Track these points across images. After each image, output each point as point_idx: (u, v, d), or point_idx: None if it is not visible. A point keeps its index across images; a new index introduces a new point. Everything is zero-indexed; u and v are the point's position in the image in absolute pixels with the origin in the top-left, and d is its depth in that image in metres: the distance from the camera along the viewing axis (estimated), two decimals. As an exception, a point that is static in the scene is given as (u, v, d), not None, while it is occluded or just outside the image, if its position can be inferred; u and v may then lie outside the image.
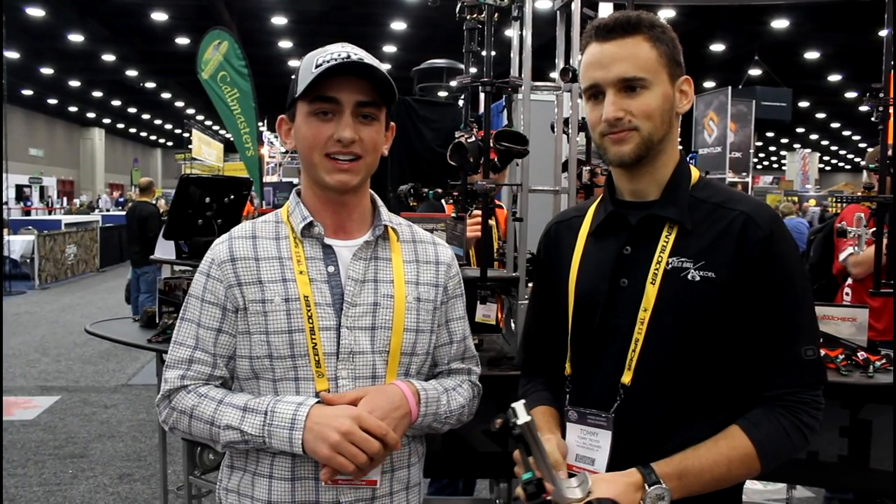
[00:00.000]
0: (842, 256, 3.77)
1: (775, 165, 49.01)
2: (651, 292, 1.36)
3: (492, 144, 2.44)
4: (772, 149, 45.16)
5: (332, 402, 1.40)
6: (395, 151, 5.68)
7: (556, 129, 2.81)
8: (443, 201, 3.05)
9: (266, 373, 1.44)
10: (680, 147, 1.50)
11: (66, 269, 15.00)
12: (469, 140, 2.40)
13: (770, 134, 35.57)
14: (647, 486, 1.27)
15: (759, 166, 46.00)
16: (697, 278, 1.34)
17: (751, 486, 3.52)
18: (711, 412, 1.36)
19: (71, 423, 5.85)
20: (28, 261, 14.06)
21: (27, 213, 22.86)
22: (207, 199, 3.08)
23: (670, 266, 1.36)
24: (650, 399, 1.37)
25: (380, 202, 1.57)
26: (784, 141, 40.34)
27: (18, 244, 14.12)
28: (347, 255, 1.49)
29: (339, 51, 1.42)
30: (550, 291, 1.55)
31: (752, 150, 12.23)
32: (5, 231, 14.04)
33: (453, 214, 2.49)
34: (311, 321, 1.42)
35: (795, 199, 20.41)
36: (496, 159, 2.48)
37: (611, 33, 1.37)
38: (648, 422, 1.36)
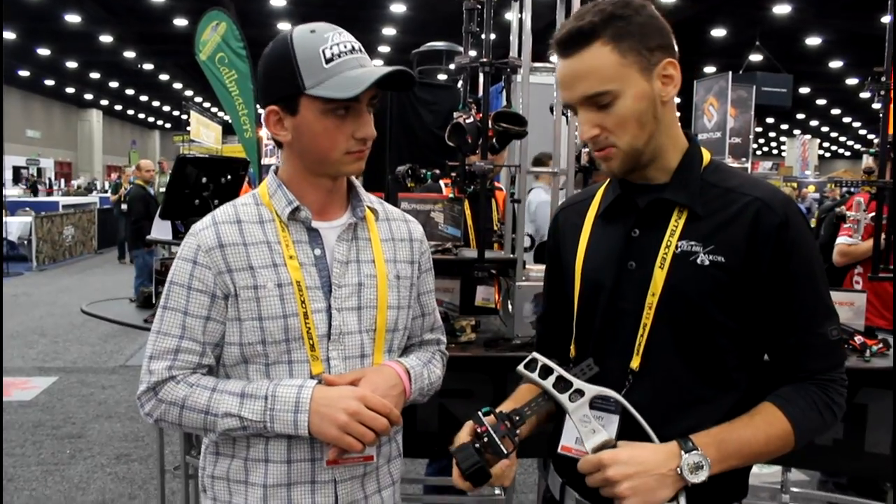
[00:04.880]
0: (836, 241, 3.78)
1: (775, 151, 48.92)
2: (659, 276, 1.34)
3: (490, 125, 2.43)
4: (772, 135, 45.04)
5: (332, 384, 1.41)
6: (393, 134, 5.69)
7: (555, 112, 2.79)
8: (441, 182, 3.04)
9: (258, 358, 1.43)
10: (676, 101, 1.44)
11: (64, 250, 14.97)
12: (467, 121, 2.39)
13: (770, 120, 35.47)
14: (683, 453, 1.24)
15: (758, 152, 45.89)
16: (707, 262, 1.32)
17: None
18: (721, 397, 1.35)
19: (69, 404, 5.86)
20: (25, 242, 14.02)
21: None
22: (204, 180, 3.07)
23: (679, 250, 1.34)
24: (659, 384, 1.35)
25: (355, 181, 1.56)
26: (784, 127, 40.23)
27: (16, 226, 14.08)
28: (332, 236, 1.49)
29: (344, 42, 1.39)
30: (560, 274, 1.55)
31: (751, 136, 12.16)
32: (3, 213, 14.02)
33: (451, 195, 2.49)
34: (304, 305, 1.42)
35: (794, 185, 20.37)
36: (494, 140, 2.47)
37: (567, 49, 1.30)
38: (657, 407, 1.34)
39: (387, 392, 1.43)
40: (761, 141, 46.52)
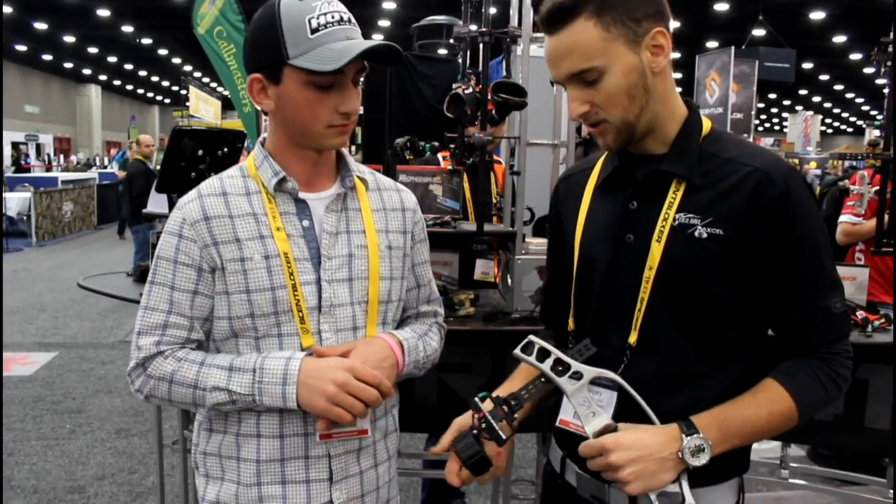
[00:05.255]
0: (840, 219, 3.74)
1: (777, 127, 48.71)
2: (657, 250, 1.31)
3: (489, 96, 2.39)
4: (774, 110, 44.81)
5: (322, 355, 1.39)
6: (393, 108, 5.64)
7: (555, 84, 2.75)
8: (438, 156, 3.00)
9: (247, 332, 1.41)
10: (677, 76, 1.41)
11: (63, 226, 14.95)
12: (466, 91, 2.35)
13: (772, 95, 35.25)
14: (684, 437, 1.23)
15: (760, 128, 45.71)
16: (705, 235, 1.29)
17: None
18: (721, 370, 1.33)
19: (69, 379, 5.87)
20: (25, 218, 14.01)
21: (26, 170, 22.66)
22: (200, 152, 3.03)
23: (677, 223, 1.31)
24: (657, 359, 1.33)
25: (344, 151, 1.53)
26: (786, 103, 39.99)
27: (15, 201, 14.07)
28: (320, 207, 1.46)
29: (332, 12, 1.35)
30: (560, 246, 1.52)
31: (753, 112, 12.08)
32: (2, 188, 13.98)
33: (450, 167, 2.45)
34: (292, 277, 1.39)
35: (796, 161, 20.28)
36: (494, 111, 2.43)
37: (551, 25, 1.27)
38: (656, 382, 1.32)
39: (378, 364, 1.41)
40: (763, 117, 46.29)
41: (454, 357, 2.30)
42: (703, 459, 1.22)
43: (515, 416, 1.28)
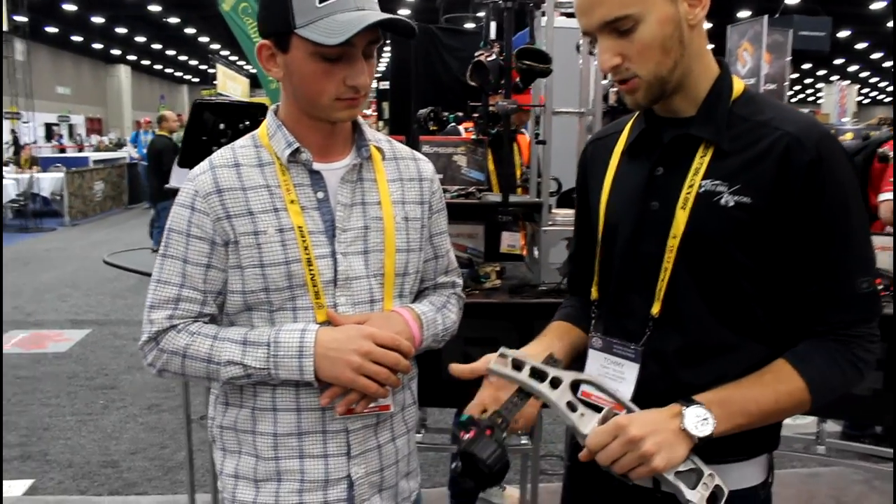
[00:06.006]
0: (880, 197, 3.59)
1: (811, 98, 47.71)
2: (681, 217, 1.25)
3: (513, 63, 2.33)
4: (808, 81, 43.88)
5: (338, 323, 1.36)
6: (420, 81, 5.59)
7: (581, 50, 2.68)
8: (461, 127, 2.95)
9: (261, 306, 1.38)
10: (708, 48, 1.34)
11: (95, 205, 15.13)
12: (489, 59, 2.29)
13: (807, 65, 34.50)
14: (684, 409, 1.16)
15: (794, 99, 44.80)
16: (731, 203, 1.22)
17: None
18: (748, 345, 1.27)
19: (102, 356, 5.95)
20: (58, 198, 14.20)
21: (61, 150, 22.96)
22: (222, 126, 3.00)
23: (703, 190, 1.24)
24: (680, 331, 1.28)
25: (361, 120, 1.47)
26: (821, 73, 39.13)
27: (48, 181, 14.26)
28: (334, 178, 1.41)
29: None
30: (587, 212, 1.47)
31: (787, 83, 11.79)
32: (34, 169, 14.15)
33: (473, 137, 2.40)
34: (307, 251, 1.36)
35: (832, 132, 19.87)
36: (518, 80, 2.37)
37: None
38: (679, 355, 1.27)
39: None
40: (797, 88, 45.35)
41: (480, 330, 2.27)
42: (706, 430, 1.15)
43: (504, 435, 1.20)
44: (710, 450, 1.18)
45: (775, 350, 1.26)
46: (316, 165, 1.40)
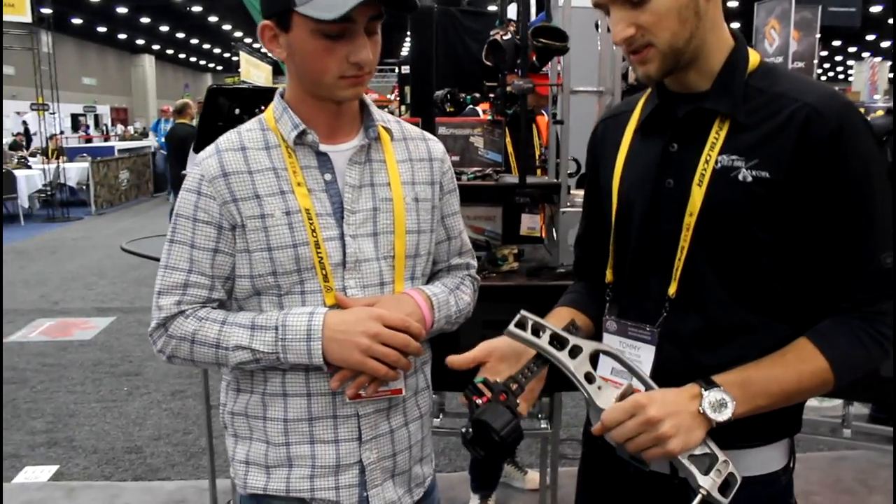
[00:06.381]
0: None
1: (841, 76, 46.87)
2: (697, 195, 1.21)
3: (529, 42, 2.28)
4: (838, 58, 43.11)
5: (347, 305, 1.34)
6: (439, 63, 5.53)
7: (599, 27, 2.62)
8: (478, 108, 2.90)
9: (270, 290, 1.36)
10: (735, 26, 1.30)
11: (121, 194, 15.27)
12: (504, 37, 2.24)
13: (837, 42, 33.85)
14: (703, 391, 1.13)
15: (823, 78, 44.02)
16: (749, 179, 1.18)
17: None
18: (770, 326, 1.22)
19: (126, 343, 6.01)
20: (84, 187, 14.35)
21: (88, 140, 23.22)
22: (237, 111, 2.99)
23: (720, 165, 1.20)
24: (697, 312, 1.24)
25: (368, 100, 1.44)
26: (852, 50, 38.38)
27: (74, 171, 14.42)
28: (342, 160, 1.39)
29: None
30: (597, 192, 1.43)
31: (816, 61, 11.58)
32: (62, 159, 14.30)
33: (490, 118, 2.36)
34: (314, 234, 1.34)
35: (862, 110, 19.51)
36: (535, 59, 2.32)
37: None
38: (696, 337, 1.24)
39: None
40: (827, 65, 44.56)
41: (498, 313, 2.22)
42: (725, 415, 1.12)
43: (518, 401, 1.16)
44: (729, 434, 1.14)
45: (796, 330, 1.22)
46: (323, 147, 1.38)
